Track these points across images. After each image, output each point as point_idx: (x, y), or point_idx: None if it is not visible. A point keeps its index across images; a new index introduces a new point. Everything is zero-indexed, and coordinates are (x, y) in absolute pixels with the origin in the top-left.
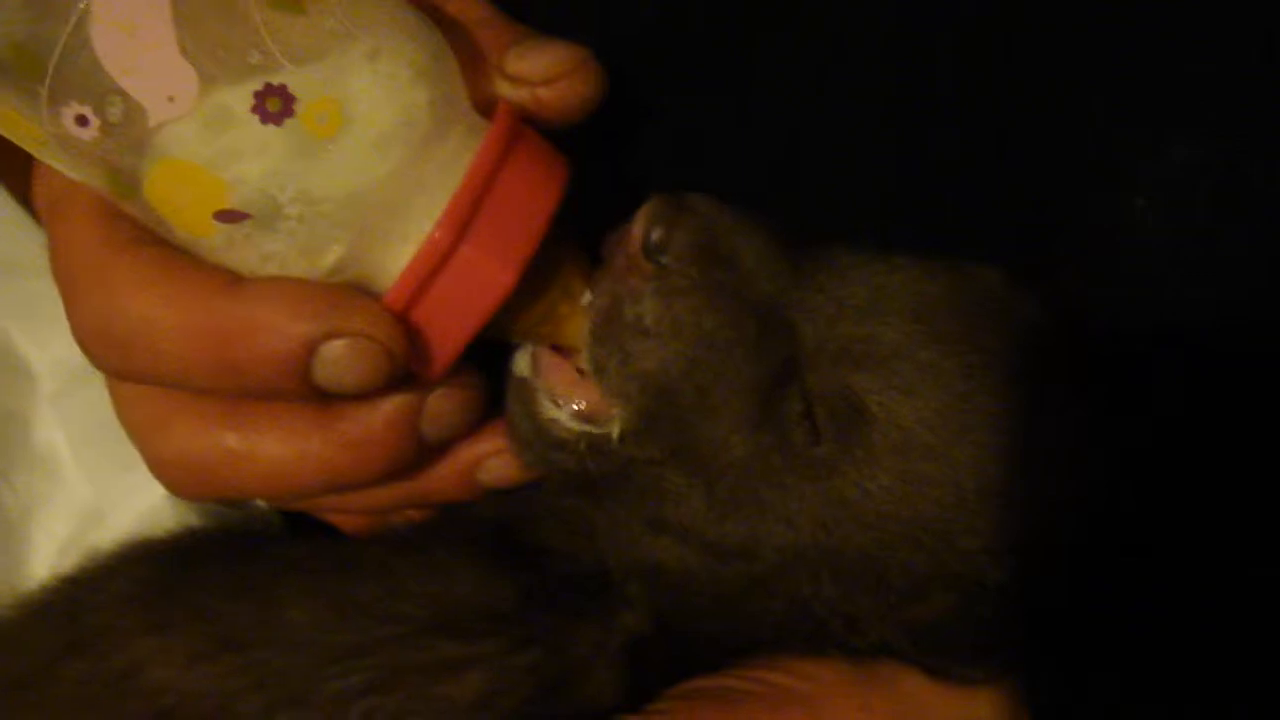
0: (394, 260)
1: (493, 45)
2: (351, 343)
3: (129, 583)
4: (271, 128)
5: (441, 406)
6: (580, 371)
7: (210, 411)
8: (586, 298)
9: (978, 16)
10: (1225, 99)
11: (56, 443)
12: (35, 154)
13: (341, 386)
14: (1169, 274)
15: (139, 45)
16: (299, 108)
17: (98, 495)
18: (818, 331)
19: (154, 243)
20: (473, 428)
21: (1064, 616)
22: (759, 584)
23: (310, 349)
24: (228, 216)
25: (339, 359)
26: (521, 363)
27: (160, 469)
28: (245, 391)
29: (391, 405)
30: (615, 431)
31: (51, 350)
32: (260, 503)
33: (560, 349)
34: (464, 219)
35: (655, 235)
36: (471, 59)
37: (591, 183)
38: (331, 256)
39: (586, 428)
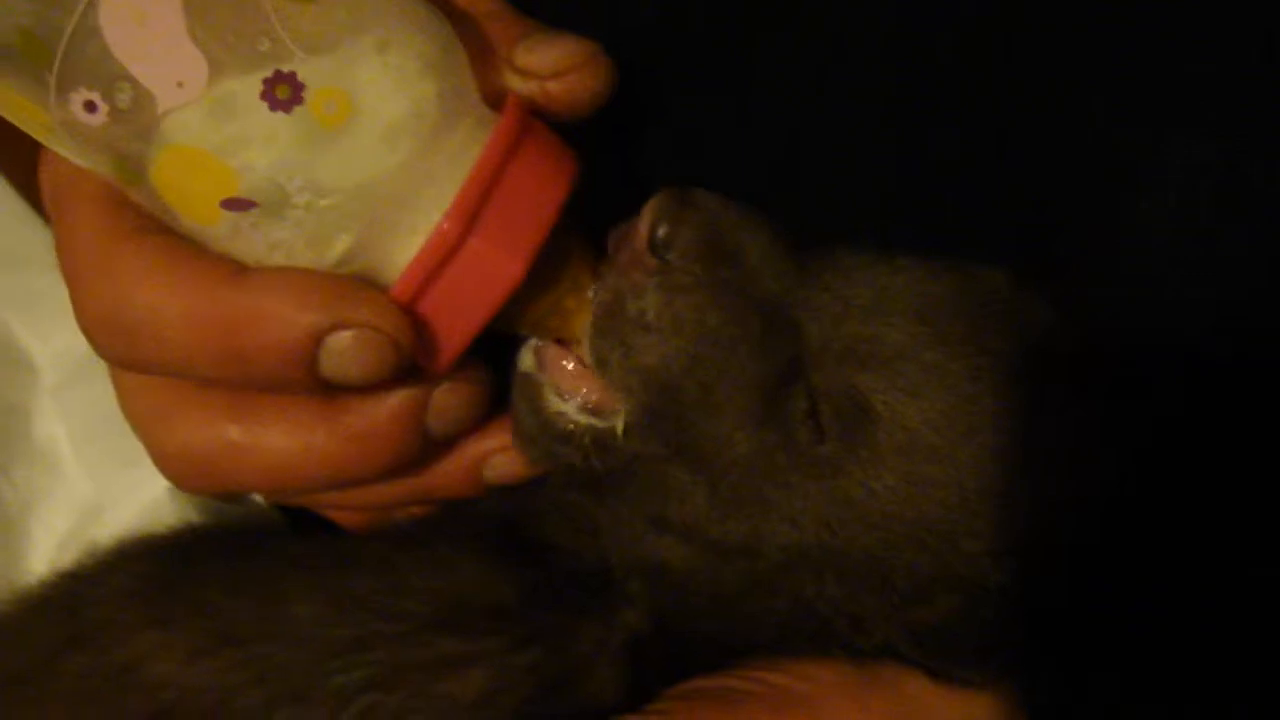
0: (401, 252)
1: (502, 38)
2: (358, 334)
3: (129, 578)
4: (280, 115)
5: (447, 401)
6: (585, 365)
7: (215, 403)
8: (593, 291)
9: (978, 16)
10: (1225, 99)
11: (57, 437)
12: (42, 140)
13: (347, 378)
14: (1169, 274)
15: (149, 31)
16: (308, 95)
17: (98, 490)
18: (823, 330)
19: (160, 231)
20: (478, 423)
21: (1064, 617)
22: (762, 583)
23: (316, 339)
24: (235, 204)
25: (345, 350)
26: (527, 359)
27: (163, 461)
28: (250, 382)
29: (397, 399)
30: (619, 426)
31: (53, 343)
32: (258, 498)
33: (566, 343)
34: (472, 211)
35: (660, 231)
36: (481, 52)
37: (599, 177)
38: (339, 247)
39: (592, 421)
